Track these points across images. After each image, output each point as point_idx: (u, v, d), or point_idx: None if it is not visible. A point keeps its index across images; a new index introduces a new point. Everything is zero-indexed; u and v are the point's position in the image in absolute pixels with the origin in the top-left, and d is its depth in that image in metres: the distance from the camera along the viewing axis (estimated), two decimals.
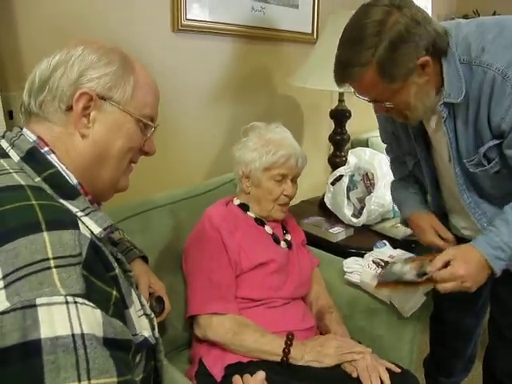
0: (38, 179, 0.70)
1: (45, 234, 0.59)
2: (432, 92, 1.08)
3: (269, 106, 2.19)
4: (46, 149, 0.74)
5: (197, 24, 1.76)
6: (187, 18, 1.71)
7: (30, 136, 0.75)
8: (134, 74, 0.80)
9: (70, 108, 0.75)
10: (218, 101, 1.94)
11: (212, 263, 1.27)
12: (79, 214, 0.70)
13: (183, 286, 1.38)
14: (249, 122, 2.06)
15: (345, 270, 1.44)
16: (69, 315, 0.56)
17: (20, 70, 1.33)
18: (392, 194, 1.52)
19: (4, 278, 0.55)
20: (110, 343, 0.59)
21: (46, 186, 0.70)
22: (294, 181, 1.43)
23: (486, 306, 1.55)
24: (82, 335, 0.55)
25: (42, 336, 0.53)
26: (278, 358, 1.15)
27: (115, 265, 0.73)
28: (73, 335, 0.55)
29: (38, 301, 0.55)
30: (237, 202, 1.45)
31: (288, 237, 1.47)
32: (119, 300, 0.68)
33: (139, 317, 0.81)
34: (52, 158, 0.74)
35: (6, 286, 0.55)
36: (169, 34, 1.71)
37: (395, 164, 1.50)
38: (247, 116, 2.08)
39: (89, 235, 0.67)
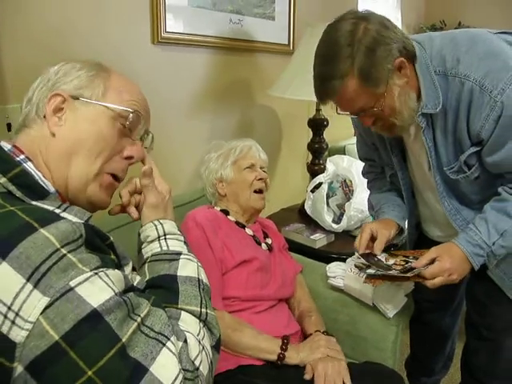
0: (3, 180, 0.69)
1: (42, 230, 0.60)
2: (413, 94, 1.10)
3: (247, 116, 2.22)
4: (22, 156, 0.75)
5: (176, 36, 1.78)
6: (167, 30, 1.73)
7: (5, 146, 0.76)
8: (109, 78, 0.82)
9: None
10: (197, 112, 1.96)
11: (200, 260, 1.28)
12: (56, 210, 0.69)
13: None
14: (228, 133, 2.10)
15: (328, 274, 1.47)
16: (105, 282, 0.63)
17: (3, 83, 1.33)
18: (370, 201, 1.53)
19: (28, 280, 0.57)
20: (130, 289, 0.69)
21: (13, 188, 0.69)
22: (263, 170, 1.51)
23: (461, 304, 1.61)
24: (119, 293, 0.64)
25: (95, 305, 0.60)
26: (275, 356, 1.18)
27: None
28: (116, 293, 0.63)
29: (72, 283, 0.59)
30: (217, 208, 1.49)
31: (269, 240, 1.51)
32: (117, 262, 0.73)
33: (132, 272, 0.82)
34: (29, 165, 0.74)
35: (35, 286, 0.57)
36: (149, 46, 1.72)
37: (374, 183, 1.52)
38: (226, 126, 2.11)
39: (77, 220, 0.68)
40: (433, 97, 1.10)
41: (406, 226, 1.39)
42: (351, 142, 2.56)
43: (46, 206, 0.69)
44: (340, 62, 1.01)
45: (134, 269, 0.86)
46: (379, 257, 1.26)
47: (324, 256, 1.75)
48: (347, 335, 1.44)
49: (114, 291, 0.63)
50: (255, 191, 1.48)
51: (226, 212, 1.48)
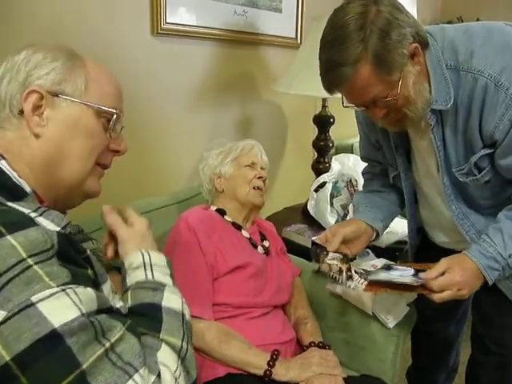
0: None
1: (9, 237, 0.57)
2: (426, 84, 1.02)
3: (251, 111, 2.16)
4: None
5: (177, 28, 1.72)
6: (167, 21, 1.67)
7: None
8: (85, 67, 0.77)
9: (21, 111, 0.72)
10: (198, 106, 1.91)
11: (189, 266, 1.23)
12: (32, 214, 0.66)
13: None
14: (230, 128, 2.04)
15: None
16: (71, 300, 0.57)
17: None
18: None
19: None
20: (104, 311, 0.63)
21: None
22: (264, 170, 1.47)
23: (467, 313, 1.54)
24: (88, 314, 0.58)
25: (56, 325, 0.54)
26: (261, 372, 1.12)
27: (84, 247, 0.72)
28: (83, 314, 0.57)
29: (34, 298, 0.54)
30: (213, 208, 1.44)
31: (266, 243, 1.45)
32: (95, 277, 0.68)
33: (112, 291, 0.79)
34: (2, 164, 0.70)
35: None
36: (148, 37, 1.66)
37: (366, 184, 1.47)
38: (228, 122, 2.05)
39: (52, 228, 0.65)
40: (443, 92, 1.02)
41: (382, 227, 1.30)
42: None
43: (21, 209, 0.65)
44: (351, 47, 0.92)
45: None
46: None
47: None
48: (345, 344, 1.37)
49: (81, 311, 0.57)
50: (254, 188, 1.42)
51: (222, 212, 1.42)
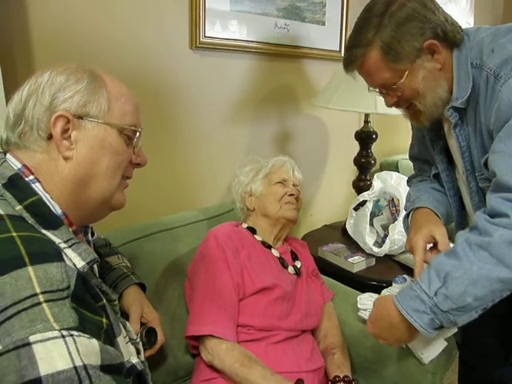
0: (19, 207, 0.68)
1: (29, 268, 0.57)
2: (444, 83, 1.00)
3: (291, 126, 2.11)
4: (32, 177, 0.73)
5: (216, 41, 1.71)
6: (206, 35, 1.67)
7: (14, 163, 0.73)
8: (106, 86, 0.78)
9: (50, 135, 0.73)
10: (237, 120, 1.88)
11: (215, 283, 1.20)
12: (62, 245, 0.68)
13: (186, 314, 1.31)
14: (268, 142, 2.01)
15: (358, 306, 1.33)
16: (67, 349, 0.54)
17: None
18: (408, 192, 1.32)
19: None
20: (108, 369, 0.59)
21: (27, 215, 0.68)
22: (296, 188, 1.42)
23: None
24: (85, 366, 0.55)
25: (42, 373, 0.52)
26: None
27: (101, 295, 0.72)
28: (75, 367, 0.54)
29: (32, 338, 0.53)
30: (244, 225, 1.41)
31: (298, 264, 1.40)
32: (109, 328, 0.67)
33: (126, 343, 0.80)
34: (37, 186, 0.72)
35: None
36: (187, 51, 1.67)
37: (417, 179, 1.33)
38: (267, 136, 2.02)
39: (74, 266, 0.65)
40: (465, 90, 0.97)
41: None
42: (407, 157, 2.37)
43: (53, 238, 0.68)
44: (366, 31, 0.98)
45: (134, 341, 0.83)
46: None
47: (361, 282, 1.61)
48: (375, 375, 1.28)
49: (74, 363, 0.54)
50: (285, 203, 1.37)
51: (253, 230, 1.38)
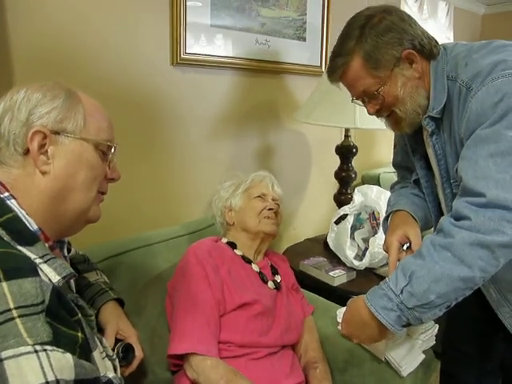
0: None
1: (3, 284, 0.57)
2: (422, 91, 1.05)
3: (273, 140, 2.13)
4: (7, 194, 0.73)
5: (197, 58, 1.72)
6: (187, 51, 1.68)
7: None
8: (82, 103, 0.80)
9: (27, 150, 0.74)
10: (219, 135, 1.90)
11: (196, 300, 1.19)
12: (38, 260, 0.68)
13: (167, 330, 1.30)
14: (251, 157, 2.02)
15: (338, 320, 1.33)
16: (40, 364, 0.54)
17: None
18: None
19: None
20: (88, 382, 0.61)
21: (2, 232, 0.68)
22: (275, 202, 1.43)
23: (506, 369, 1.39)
24: (57, 381, 0.55)
25: None
26: None
27: (77, 310, 0.72)
28: (47, 382, 0.54)
29: (4, 354, 0.53)
30: (224, 240, 1.41)
31: (277, 278, 1.40)
32: (85, 342, 0.67)
33: (102, 359, 0.80)
34: (12, 203, 0.73)
35: None
36: (167, 67, 1.68)
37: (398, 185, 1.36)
38: (250, 151, 2.03)
39: (49, 281, 0.65)
40: (441, 101, 1.02)
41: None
42: (387, 170, 2.40)
43: (28, 253, 0.68)
44: (348, 41, 1.04)
45: (104, 348, 0.82)
46: None
47: (342, 295, 1.61)
48: None
49: (47, 378, 0.54)
50: (264, 217, 1.39)
51: (233, 245, 1.38)
